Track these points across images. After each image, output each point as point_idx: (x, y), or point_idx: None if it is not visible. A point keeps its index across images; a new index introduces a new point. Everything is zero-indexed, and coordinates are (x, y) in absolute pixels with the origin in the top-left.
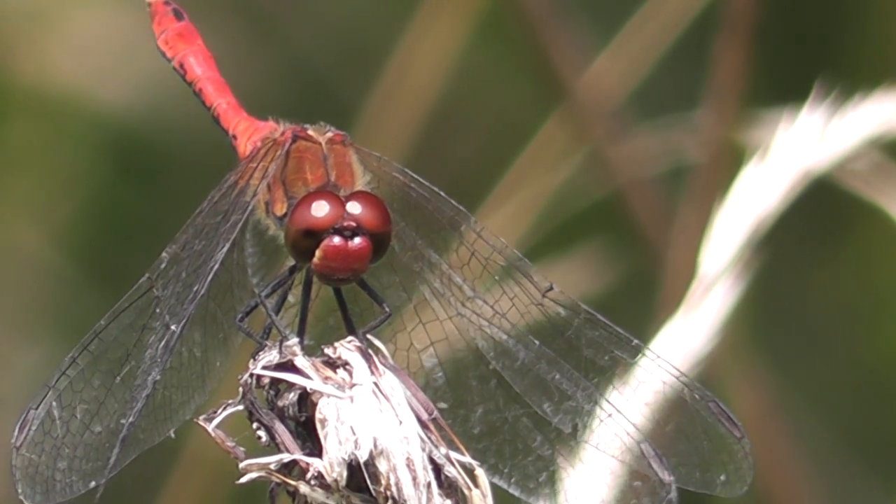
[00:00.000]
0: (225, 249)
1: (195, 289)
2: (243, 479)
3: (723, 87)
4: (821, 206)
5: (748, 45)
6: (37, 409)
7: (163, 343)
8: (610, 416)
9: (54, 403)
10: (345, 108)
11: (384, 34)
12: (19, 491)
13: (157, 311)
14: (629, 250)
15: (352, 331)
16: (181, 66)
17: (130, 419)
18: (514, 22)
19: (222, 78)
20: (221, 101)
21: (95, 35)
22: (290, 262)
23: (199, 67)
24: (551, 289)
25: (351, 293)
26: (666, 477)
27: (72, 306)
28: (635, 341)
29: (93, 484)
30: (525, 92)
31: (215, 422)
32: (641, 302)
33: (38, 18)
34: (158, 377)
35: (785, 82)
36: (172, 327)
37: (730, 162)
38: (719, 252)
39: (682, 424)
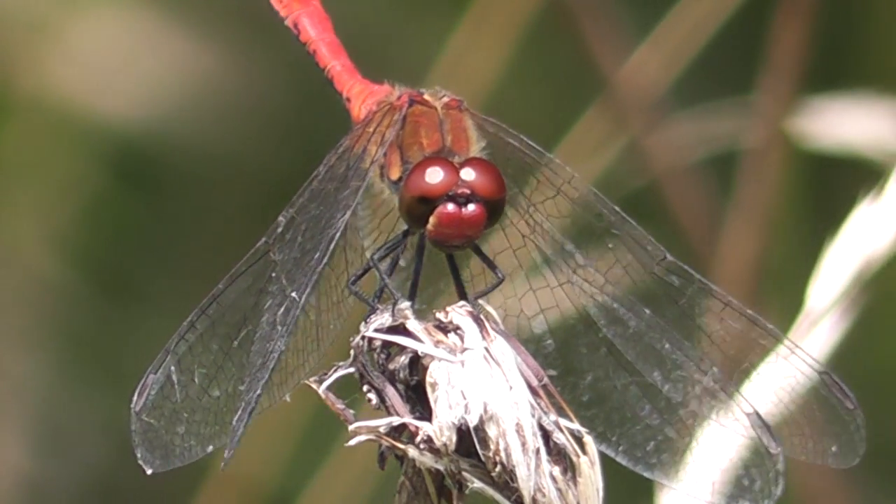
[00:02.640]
0: (347, 216)
1: (316, 256)
2: (352, 442)
3: (779, 70)
4: None
5: (808, 24)
6: (156, 373)
7: (282, 311)
8: (720, 385)
9: (173, 368)
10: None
11: (387, 34)
12: (139, 456)
13: (274, 275)
14: (669, 240)
15: (463, 296)
16: (295, 25)
17: (258, 391)
18: (553, 10)
19: (337, 39)
20: (336, 63)
21: (97, 45)
22: (403, 225)
23: (314, 28)
24: (665, 258)
25: (462, 258)
26: (774, 447)
27: (70, 315)
28: (749, 311)
29: (210, 448)
30: (564, 81)
31: (326, 383)
32: None
33: (39, 28)
34: (283, 347)
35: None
36: (293, 295)
37: (783, 150)
38: (828, 286)
39: (794, 395)
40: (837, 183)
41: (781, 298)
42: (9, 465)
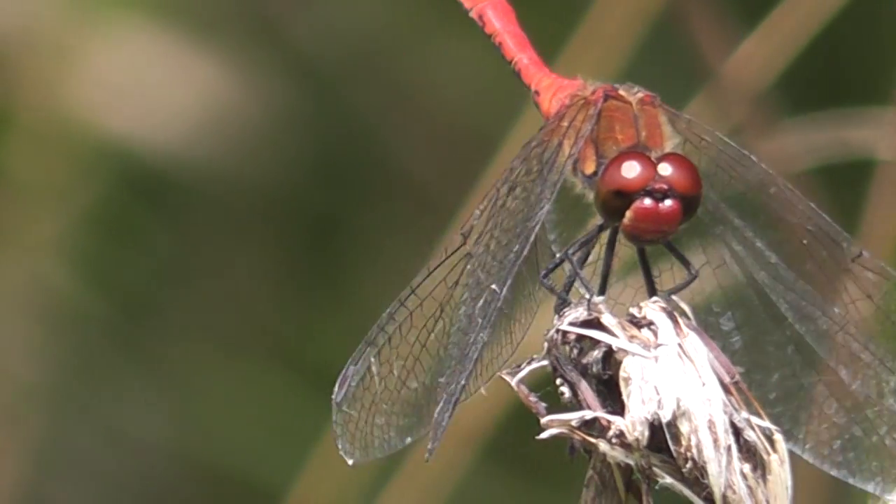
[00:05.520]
0: (545, 210)
1: (516, 249)
2: (544, 435)
3: None
4: None
5: None
6: (356, 364)
7: (482, 303)
8: None
9: (373, 359)
10: (354, 111)
11: (394, 37)
12: (339, 447)
13: (469, 267)
14: None
15: (653, 291)
16: (480, 17)
17: (462, 382)
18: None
19: (523, 32)
20: (522, 56)
21: (117, 67)
22: (589, 219)
23: (499, 21)
24: (861, 255)
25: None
26: None
27: (85, 334)
28: None
29: (409, 440)
30: (666, 74)
31: (519, 376)
32: None
33: (60, 50)
34: (486, 339)
35: None
36: (493, 287)
37: None
38: None
39: None
40: None
41: None
42: (13, 477)
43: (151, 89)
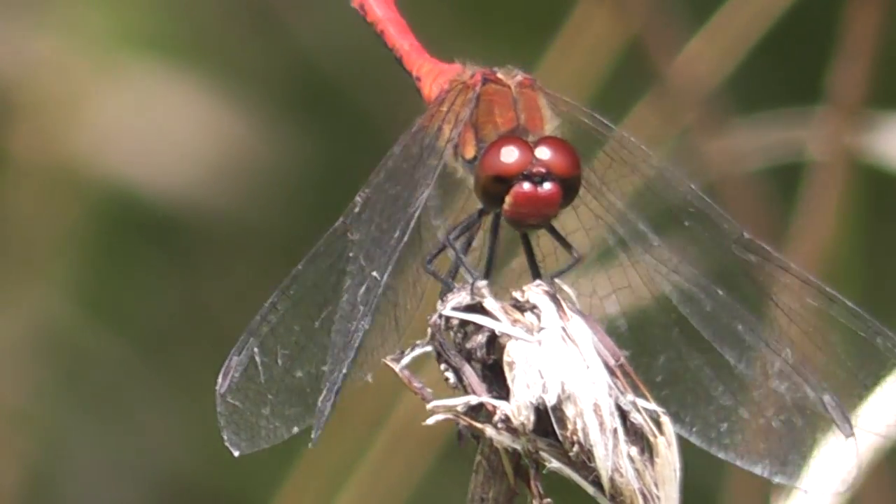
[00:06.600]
0: (425, 195)
1: (396, 235)
2: (429, 421)
3: (847, 76)
4: None
5: (883, 15)
6: (239, 355)
7: (363, 290)
8: (793, 366)
9: (256, 349)
10: (350, 103)
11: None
12: (225, 438)
13: (352, 255)
14: None
15: (537, 275)
16: (361, 7)
17: (343, 371)
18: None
19: (403, 19)
20: (404, 43)
21: (129, 113)
22: (475, 203)
23: (380, 9)
24: (742, 235)
25: (532, 236)
26: (847, 430)
27: (95, 372)
28: (828, 289)
29: (296, 430)
30: (613, 73)
31: (403, 362)
32: None
33: (68, 94)
34: (367, 326)
35: None
36: (374, 274)
37: (850, 164)
38: None
39: (871, 372)
40: None
41: None
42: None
43: (159, 131)
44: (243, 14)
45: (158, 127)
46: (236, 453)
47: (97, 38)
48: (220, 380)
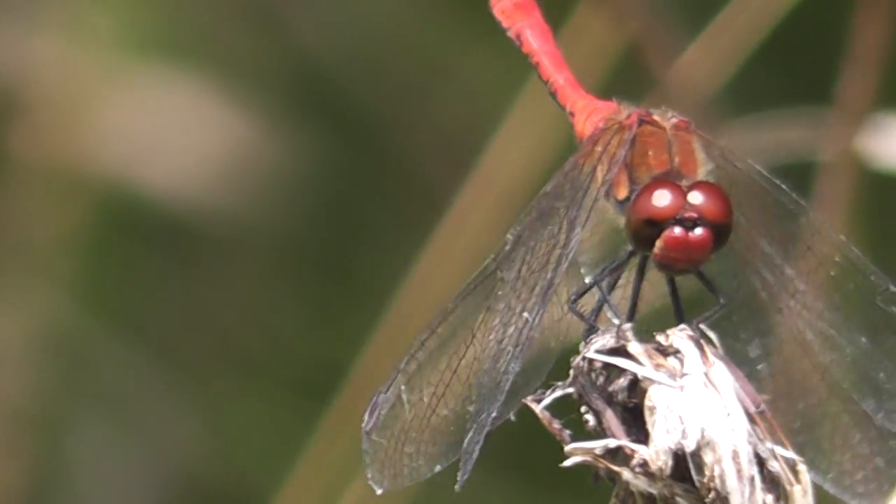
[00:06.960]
0: (578, 236)
1: (549, 276)
2: (567, 463)
3: (858, 76)
4: None
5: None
6: (386, 392)
7: (513, 330)
8: None
9: (403, 387)
10: (356, 106)
11: (393, 34)
12: (368, 476)
13: (501, 293)
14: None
15: (682, 319)
16: (518, 37)
17: (493, 413)
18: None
19: (560, 52)
20: (559, 77)
21: (137, 117)
22: (621, 244)
23: (537, 41)
24: (888, 288)
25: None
26: None
27: (102, 375)
28: None
29: (438, 468)
30: (611, 78)
31: (544, 402)
32: None
33: (77, 98)
34: (517, 368)
35: None
36: (526, 315)
37: (855, 168)
38: None
39: None
40: None
41: None
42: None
43: (162, 132)
44: (248, 15)
45: (162, 128)
46: (379, 491)
47: (101, 38)
48: (366, 417)
